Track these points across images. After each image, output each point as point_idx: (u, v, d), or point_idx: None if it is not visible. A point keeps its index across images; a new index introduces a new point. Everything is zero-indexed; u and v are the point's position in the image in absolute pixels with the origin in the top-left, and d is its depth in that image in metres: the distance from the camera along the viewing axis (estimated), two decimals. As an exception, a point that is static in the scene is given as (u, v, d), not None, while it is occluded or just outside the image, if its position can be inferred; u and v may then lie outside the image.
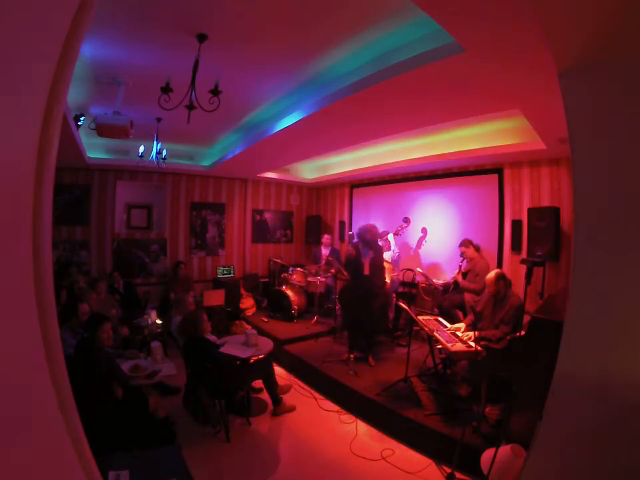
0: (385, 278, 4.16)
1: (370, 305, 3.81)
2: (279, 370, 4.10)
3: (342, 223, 6.98)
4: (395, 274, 4.91)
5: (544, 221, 3.81)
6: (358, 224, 4.60)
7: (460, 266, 4.22)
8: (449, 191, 5.13)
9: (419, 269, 4.94)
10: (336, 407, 3.42)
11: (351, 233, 5.68)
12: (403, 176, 5.72)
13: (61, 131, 0.75)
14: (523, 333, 2.47)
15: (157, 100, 2.47)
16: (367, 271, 3.84)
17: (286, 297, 5.48)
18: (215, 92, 2.50)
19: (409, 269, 5.22)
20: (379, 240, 4.15)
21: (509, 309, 2.95)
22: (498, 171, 4.53)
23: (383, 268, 4.09)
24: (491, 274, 3.11)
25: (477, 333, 2.91)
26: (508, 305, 2.98)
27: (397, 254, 4.95)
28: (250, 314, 5.88)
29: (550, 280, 3.89)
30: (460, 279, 4.13)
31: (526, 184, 4.27)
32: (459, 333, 3.10)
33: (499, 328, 2.96)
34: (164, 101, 2.44)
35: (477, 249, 4.22)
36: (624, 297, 1.14)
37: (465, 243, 4.21)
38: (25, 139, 0.66)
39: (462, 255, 4.23)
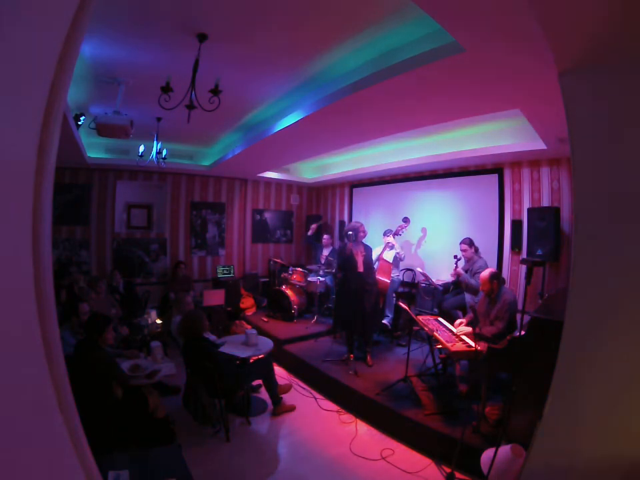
0: (376, 276, 4.17)
1: (362, 303, 3.82)
2: (278, 370, 4.10)
3: (342, 223, 6.98)
4: (395, 274, 4.90)
5: (544, 221, 3.80)
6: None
7: (456, 264, 4.21)
8: (449, 190, 5.13)
9: (418, 269, 4.94)
10: (336, 407, 3.42)
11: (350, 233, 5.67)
12: (403, 176, 5.71)
13: (61, 130, 0.75)
14: (523, 332, 2.47)
15: (157, 100, 2.46)
16: (360, 268, 3.86)
17: (286, 296, 5.48)
18: (215, 91, 2.50)
19: (409, 269, 5.22)
20: (363, 236, 4.16)
21: (502, 304, 3.00)
22: (498, 170, 4.52)
23: (372, 266, 4.12)
24: (485, 273, 3.14)
25: (477, 329, 2.92)
26: (501, 302, 3.02)
27: (403, 255, 4.94)
28: (250, 314, 5.88)
29: (550, 280, 3.89)
30: (461, 272, 4.11)
31: (526, 184, 4.27)
32: (461, 328, 3.13)
33: (494, 324, 3.00)
34: (164, 101, 2.43)
35: (476, 250, 4.23)
36: (624, 296, 1.14)
37: (467, 242, 4.21)
38: (25, 138, 0.66)
39: (462, 252, 4.22)
